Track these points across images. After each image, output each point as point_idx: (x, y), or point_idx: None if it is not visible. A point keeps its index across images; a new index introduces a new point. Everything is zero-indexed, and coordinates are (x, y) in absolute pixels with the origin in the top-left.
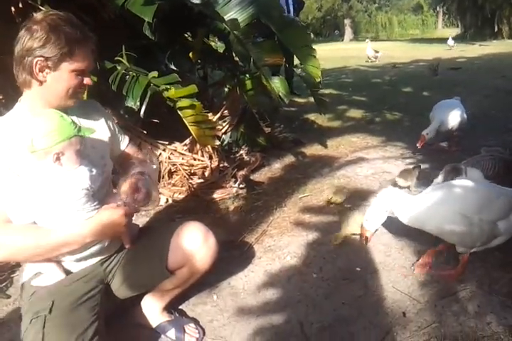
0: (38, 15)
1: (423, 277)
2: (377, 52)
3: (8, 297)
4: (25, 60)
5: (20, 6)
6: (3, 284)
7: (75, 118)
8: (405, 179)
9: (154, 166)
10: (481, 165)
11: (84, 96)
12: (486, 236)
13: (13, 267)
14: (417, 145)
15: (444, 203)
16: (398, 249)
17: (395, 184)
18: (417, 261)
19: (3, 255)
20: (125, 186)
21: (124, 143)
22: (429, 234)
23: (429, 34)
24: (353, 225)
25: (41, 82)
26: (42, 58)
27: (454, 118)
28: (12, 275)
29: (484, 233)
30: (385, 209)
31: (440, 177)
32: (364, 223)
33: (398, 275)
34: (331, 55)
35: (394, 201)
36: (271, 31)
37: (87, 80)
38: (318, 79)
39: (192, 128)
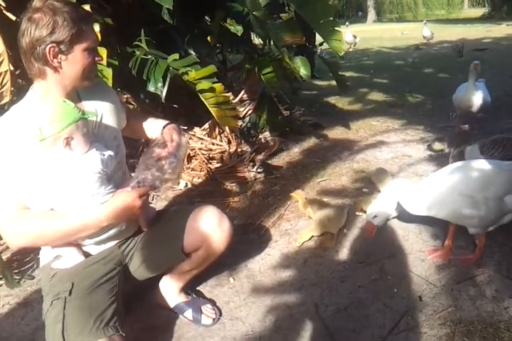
0: (35, 4)
1: (440, 261)
2: (355, 37)
3: (32, 278)
4: (36, 50)
5: None
6: (29, 265)
7: (87, 101)
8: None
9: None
10: (485, 145)
11: (110, 82)
12: (494, 214)
13: (39, 249)
14: None
15: (446, 187)
16: (416, 233)
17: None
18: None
19: (25, 241)
20: (140, 165)
21: (125, 115)
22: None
23: (455, 14)
24: (317, 227)
25: (56, 69)
26: (54, 44)
27: (477, 100)
28: (38, 257)
29: (492, 211)
30: (391, 204)
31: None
32: (368, 216)
33: (415, 259)
34: None
35: (400, 193)
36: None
37: (97, 57)
38: (342, 53)
39: (213, 110)
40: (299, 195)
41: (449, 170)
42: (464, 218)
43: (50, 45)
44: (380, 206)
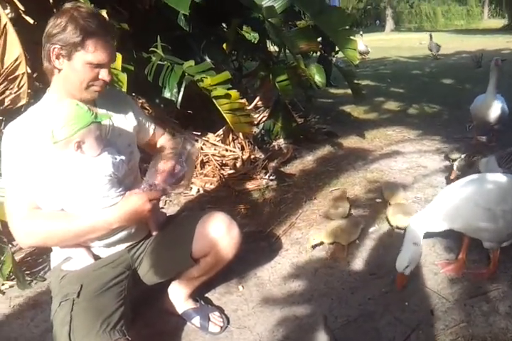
0: (66, 5)
1: (453, 275)
2: (367, 47)
3: (44, 280)
4: (45, 46)
5: None
6: (41, 267)
7: (102, 107)
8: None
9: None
10: (503, 157)
11: (124, 87)
12: (511, 228)
13: (51, 250)
14: None
15: (464, 200)
16: (429, 246)
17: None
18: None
19: (36, 240)
20: (150, 169)
21: (151, 130)
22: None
23: (475, 25)
24: (328, 236)
25: (59, 70)
26: (58, 46)
27: (495, 111)
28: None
29: (509, 225)
30: (417, 246)
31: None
32: (398, 268)
33: (428, 272)
34: (370, 45)
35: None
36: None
37: (103, 75)
38: (356, 62)
39: (227, 116)
40: (342, 193)
41: (466, 181)
42: (480, 231)
43: (54, 45)
44: (407, 254)
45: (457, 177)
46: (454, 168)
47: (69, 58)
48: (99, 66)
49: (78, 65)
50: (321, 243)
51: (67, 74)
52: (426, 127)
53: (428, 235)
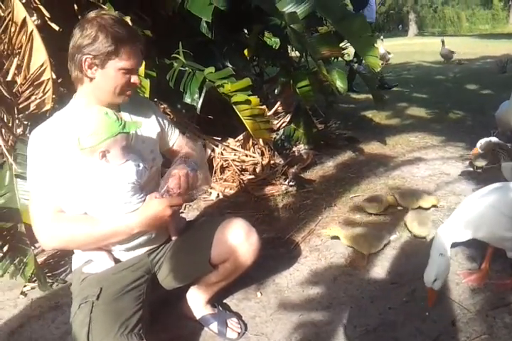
0: (90, 14)
1: (476, 285)
2: (389, 53)
3: (65, 282)
4: (75, 57)
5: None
6: (62, 269)
7: (126, 114)
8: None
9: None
10: None
11: (147, 93)
12: None
13: (73, 253)
14: None
15: (488, 208)
16: (452, 255)
17: (470, 163)
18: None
19: (59, 243)
20: (166, 176)
21: (174, 137)
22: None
23: (500, 29)
24: (348, 239)
25: (91, 79)
26: (90, 56)
27: None
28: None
29: None
30: (444, 258)
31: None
32: (426, 283)
33: (450, 282)
34: (393, 50)
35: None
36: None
37: (134, 79)
38: (378, 69)
39: (247, 122)
40: (390, 198)
41: (490, 190)
42: (504, 240)
43: (86, 56)
44: (434, 267)
45: (477, 157)
46: (478, 145)
47: (102, 67)
48: (130, 71)
49: (112, 72)
50: (337, 237)
51: (100, 81)
52: (449, 133)
53: (451, 244)
